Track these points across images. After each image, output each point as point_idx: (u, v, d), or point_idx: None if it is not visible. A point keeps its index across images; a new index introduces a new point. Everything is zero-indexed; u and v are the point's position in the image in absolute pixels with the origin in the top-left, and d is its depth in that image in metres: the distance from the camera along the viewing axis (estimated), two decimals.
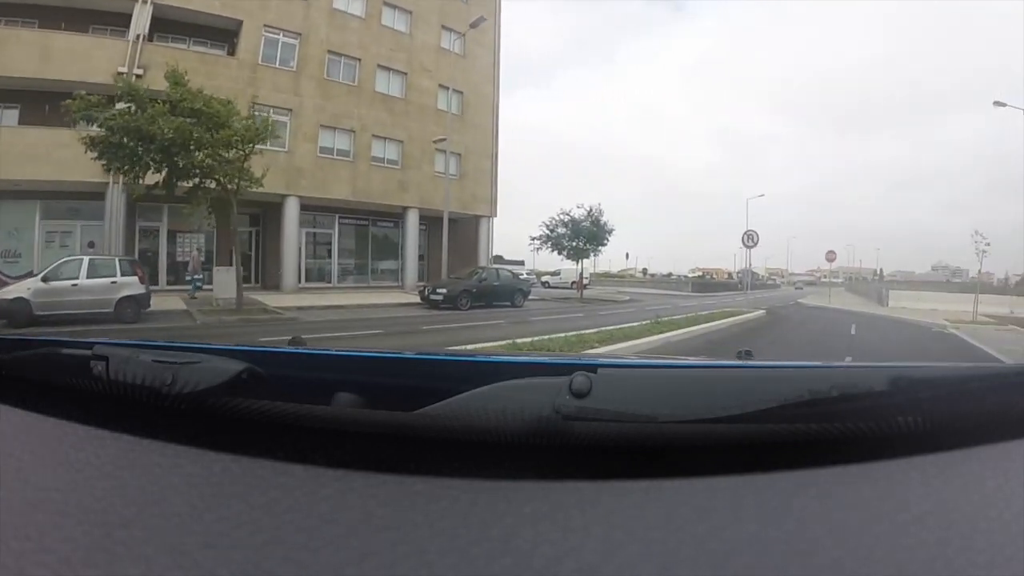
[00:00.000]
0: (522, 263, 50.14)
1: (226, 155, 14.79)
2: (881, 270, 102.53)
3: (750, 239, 25.44)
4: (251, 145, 15.14)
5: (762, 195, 73.37)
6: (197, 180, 14.85)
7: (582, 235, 28.11)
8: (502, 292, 22.16)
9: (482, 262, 28.25)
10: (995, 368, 1.00)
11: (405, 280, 26.41)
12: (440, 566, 0.52)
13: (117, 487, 0.65)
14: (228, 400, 0.75)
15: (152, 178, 14.79)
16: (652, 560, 0.54)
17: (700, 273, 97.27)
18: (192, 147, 14.18)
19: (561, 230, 28.42)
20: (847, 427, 0.70)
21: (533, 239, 29.02)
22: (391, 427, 0.70)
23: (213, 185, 15.09)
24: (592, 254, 29.75)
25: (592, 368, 0.73)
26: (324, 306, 17.76)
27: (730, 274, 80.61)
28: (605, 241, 29.14)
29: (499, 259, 47.67)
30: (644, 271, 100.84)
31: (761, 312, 21.42)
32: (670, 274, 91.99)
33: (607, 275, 69.75)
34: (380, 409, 0.72)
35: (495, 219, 31.08)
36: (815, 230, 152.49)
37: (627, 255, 60.99)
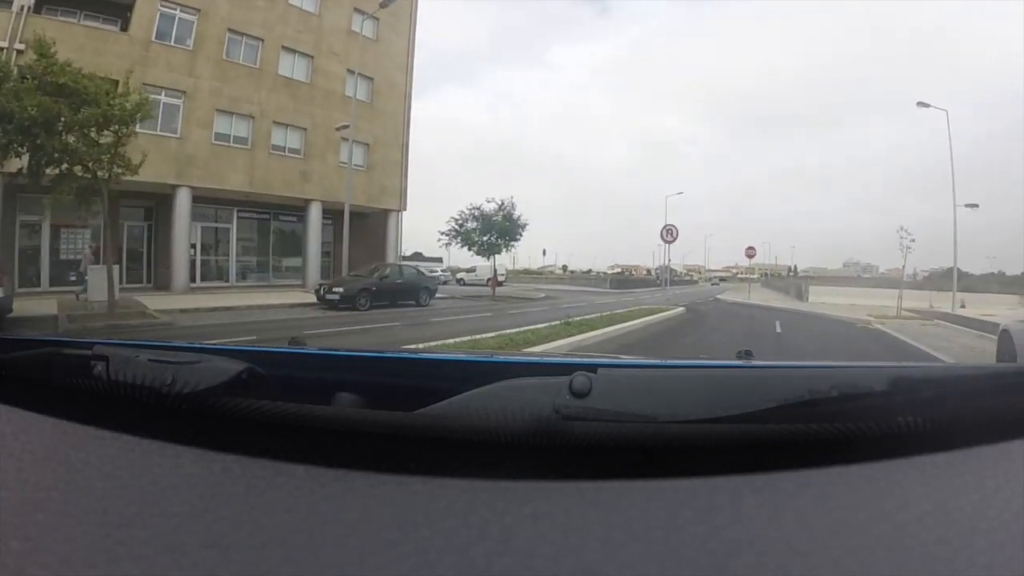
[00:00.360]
0: (440, 260, 49.36)
1: (97, 138, 13.93)
2: (795, 266, 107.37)
3: (669, 234, 26.90)
4: (124, 127, 14.27)
5: (681, 193, 75.74)
6: (65, 166, 13.94)
7: (494, 230, 28.82)
8: (406, 290, 22.57)
9: (391, 258, 29.59)
10: (995, 368, 1.12)
11: (307, 278, 26.57)
12: (440, 566, 0.57)
13: (117, 487, 0.69)
14: (228, 400, 0.80)
15: (15, 164, 14.01)
16: (652, 560, 0.58)
17: (619, 270, 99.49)
18: (61, 129, 13.33)
19: (471, 224, 29.15)
20: (847, 427, 0.74)
21: (442, 234, 29.69)
22: (391, 427, 0.74)
23: (81, 172, 14.18)
24: (504, 249, 30.33)
25: (592, 368, 0.77)
26: (210, 308, 17.55)
27: (649, 270, 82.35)
28: (518, 236, 29.68)
29: (418, 256, 47.08)
30: (564, 268, 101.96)
31: (681, 309, 22.33)
32: (590, 271, 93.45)
33: (527, 272, 70.67)
34: (380, 409, 0.76)
35: (405, 213, 32.14)
36: (731, 228, 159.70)
37: (544, 252, 61.71)
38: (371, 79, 29.31)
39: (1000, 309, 27.22)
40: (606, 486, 0.68)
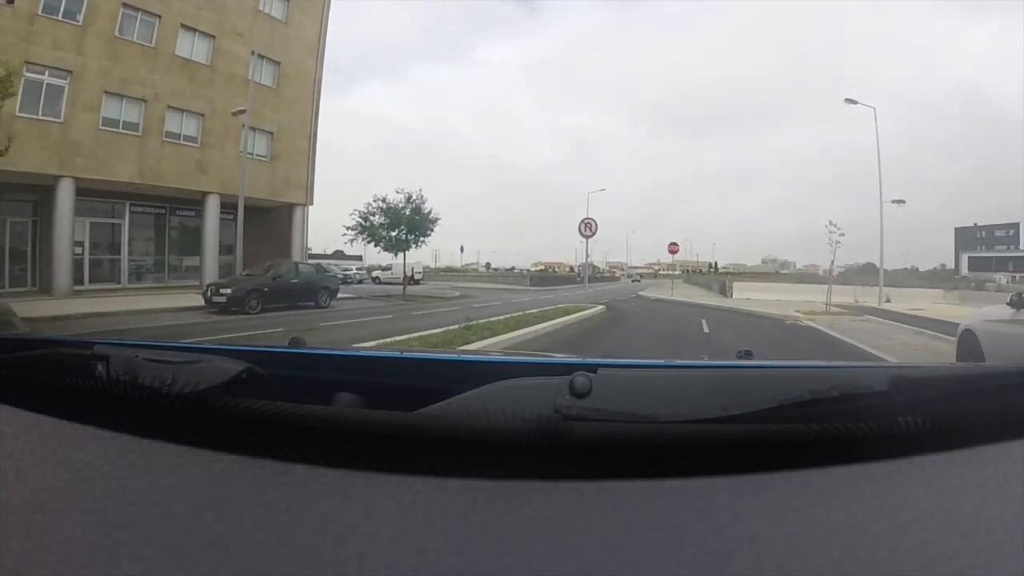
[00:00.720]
0: (360, 258, 48.04)
1: None
2: (716, 263, 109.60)
3: (587, 228, 24.82)
4: None
5: (603, 189, 75.55)
6: None
7: (401, 224, 26.33)
8: (303, 290, 20.86)
9: (296, 255, 27.47)
10: (995, 368, 1.07)
11: (205, 279, 23.90)
12: (440, 566, 0.58)
13: (117, 487, 0.70)
14: (228, 400, 0.81)
15: None
16: (652, 560, 0.59)
17: (543, 267, 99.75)
18: None
19: (379, 219, 26.38)
20: (847, 427, 0.75)
21: (348, 229, 26.66)
22: (391, 427, 0.75)
23: None
24: (414, 246, 27.27)
25: (592, 368, 0.78)
26: (85, 314, 15.86)
27: (572, 267, 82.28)
28: (429, 231, 27.08)
29: (339, 254, 45.16)
30: (487, 265, 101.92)
31: (600, 308, 20.97)
32: (513, 268, 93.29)
33: (448, 270, 69.06)
34: (380, 409, 0.77)
35: (320, 209, 29.29)
36: (653, 226, 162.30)
37: (462, 248, 60.76)
38: (278, 63, 27.70)
39: (924, 303, 27.62)
40: (606, 486, 0.69)
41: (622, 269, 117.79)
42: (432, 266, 65.00)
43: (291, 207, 28.87)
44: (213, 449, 0.75)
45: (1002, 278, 47.25)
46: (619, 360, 1.22)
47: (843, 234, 26.31)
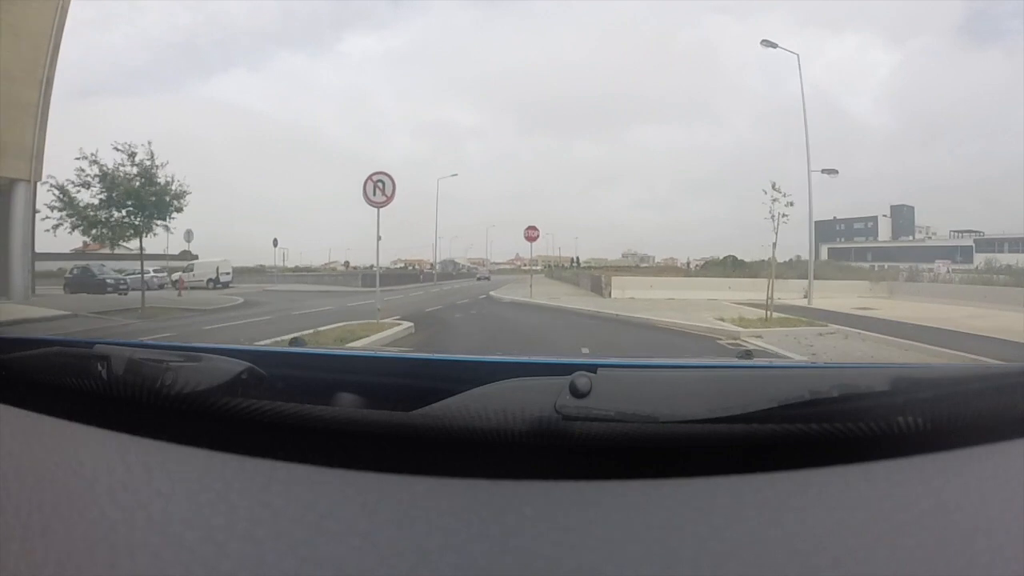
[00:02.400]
0: (196, 256, 39.22)
1: None
2: (578, 257, 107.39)
3: (379, 189, 13.57)
4: None
5: (455, 174, 69.58)
6: None
7: (125, 200, 16.39)
8: None
9: (16, 251, 19.77)
10: (995, 368, 1.05)
11: None
12: (440, 565, 0.58)
13: (117, 487, 0.69)
14: (228, 400, 0.80)
15: None
16: (652, 560, 0.59)
17: (403, 264, 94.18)
18: None
19: (95, 193, 16.40)
20: (847, 427, 0.75)
21: (51, 209, 16.49)
22: (391, 427, 0.75)
23: None
24: (147, 233, 17.24)
25: (592, 368, 0.78)
26: None
27: (432, 264, 76.88)
28: (171, 212, 17.35)
29: (186, 255, 35.99)
30: (346, 264, 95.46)
31: (405, 328, 12.39)
32: (371, 266, 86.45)
33: (297, 269, 61.60)
34: (380, 409, 0.77)
35: (42, 184, 19.37)
36: (517, 221, 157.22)
37: (275, 242, 50.40)
38: None
39: (854, 298, 22.27)
40: (606, 486, 0.69)
41: (483, 265, 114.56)
42: (281, 264, 57.01)
43: (11, 184, 19.64)
44: (213, 449, 0.75)
45: (942, 266, 43.31)
46: (619, 360, 1.17)
47: (791, 203, 16.92)
